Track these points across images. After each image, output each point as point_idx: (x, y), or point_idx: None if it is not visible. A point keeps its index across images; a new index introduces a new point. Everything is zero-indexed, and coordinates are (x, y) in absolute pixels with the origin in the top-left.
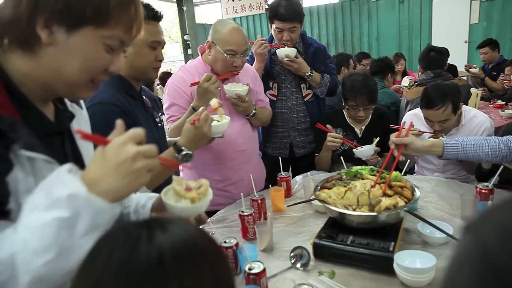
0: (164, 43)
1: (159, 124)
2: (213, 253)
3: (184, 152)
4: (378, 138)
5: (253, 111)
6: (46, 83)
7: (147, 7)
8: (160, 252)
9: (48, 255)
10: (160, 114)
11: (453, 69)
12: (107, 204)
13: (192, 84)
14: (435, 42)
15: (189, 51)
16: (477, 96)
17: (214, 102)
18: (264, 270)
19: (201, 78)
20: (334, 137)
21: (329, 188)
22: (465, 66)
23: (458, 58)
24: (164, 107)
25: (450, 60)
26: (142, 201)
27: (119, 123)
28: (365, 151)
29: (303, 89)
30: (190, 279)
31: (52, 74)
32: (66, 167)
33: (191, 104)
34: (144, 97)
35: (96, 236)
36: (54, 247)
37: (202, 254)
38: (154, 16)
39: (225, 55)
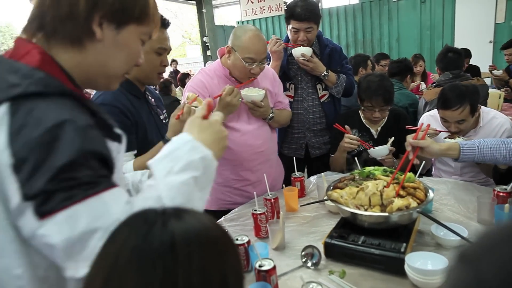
0: (170, 49)
1: (164, 121)
2: (223, 244)
3: None
4: (393, 138)
5: (271, 115)
6: (88, 76)
7: None
8: (172, 237)
9: (188, 206)
10: (164, 111)
11: (474, 69)
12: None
13: (215, 97)
14: (458, 43)
15: (208, 53)
16: (500, 98)
17: (190, 94)
18: (274, 267)
19: (220, 81)
20: (351, 139)
21: (341, 188)
22: (489, 66)
23: (482, 59)
24: None
25: (473, 61)
26: (137, 177)
27: (208, 101)
28: (380, 150)
29: (319, 90)
30: (198, 264)
31: (97, 68)
32: (188, 137)
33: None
34: (149, 96)
35: (209, 189)
36: (191, 200)
37: (212, 243)
38: (162, 24)
39: (244, 62)
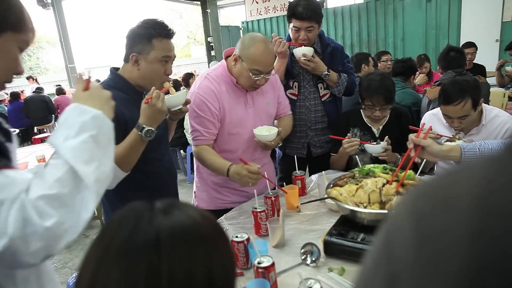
0: (175, 56)
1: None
2: (211, 240)
3: (145, 129)
4: (386, 137)
5: (279, 143)
6: None
7: (161, 25)
8: (157, 234)
9: (94, 163)
10: None
11: (480, 68)
12: (112, 123)
13: (241, 160)
14: (464, 42)
15: (212, 53)
16: (504, 96)
17: (166, 84)
18: (273, 264)
19: (228, 88)
20: (350, 142)
21: (341, 186)
22: (501, 60)
23: (488, 57)
24: (189, 115)
25: (479, 60)
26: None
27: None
28: (374, 148)
29: (321, 89)
30: (182, 262)
31: None
32: (73, 104)
33: (229, 165)
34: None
35: (112, 148)
36: (95, 158)
37: (198, 240)
38: (166, 35)
39: (250, 74)
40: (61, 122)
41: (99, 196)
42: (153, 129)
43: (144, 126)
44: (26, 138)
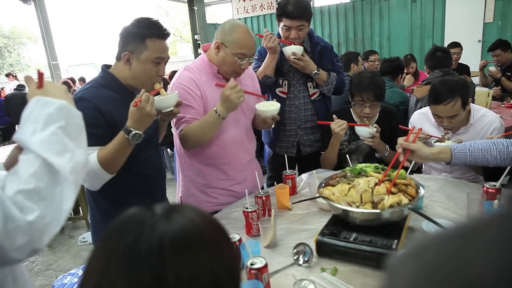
0: (168, 58)
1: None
2: (215, 242)
3: (133, 133)
4: (375, 124)
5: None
6: None
7: (156, 25)
8: (160, 242)
9: (67, 153)
10: None
11: (465, 68)
12: (79, 112)
13: (217, 85)
14: (448, 42)
15: (199, 51)
16: (488, 96)
17: (156, 85)
18: (266, 265)
19: (208, 78)
20: (337, 123)
21: (333, 185)
22: (484, 61)
23: (471, 58)
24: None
25: (462, 60)
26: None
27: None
28: (362, 130)
29: (310, 87)
30: (188, 269)
31: None
32: (35, 98)
33: (214, 108)
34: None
35: (84, 138)
36: (67, 149)
37: (203, 245)
38: (161, 35)
39: (236, 58)
40: (25, 116)
41: (78, 186)
42: (140, 132)
43: (131, 129)
44: (7, 137)
